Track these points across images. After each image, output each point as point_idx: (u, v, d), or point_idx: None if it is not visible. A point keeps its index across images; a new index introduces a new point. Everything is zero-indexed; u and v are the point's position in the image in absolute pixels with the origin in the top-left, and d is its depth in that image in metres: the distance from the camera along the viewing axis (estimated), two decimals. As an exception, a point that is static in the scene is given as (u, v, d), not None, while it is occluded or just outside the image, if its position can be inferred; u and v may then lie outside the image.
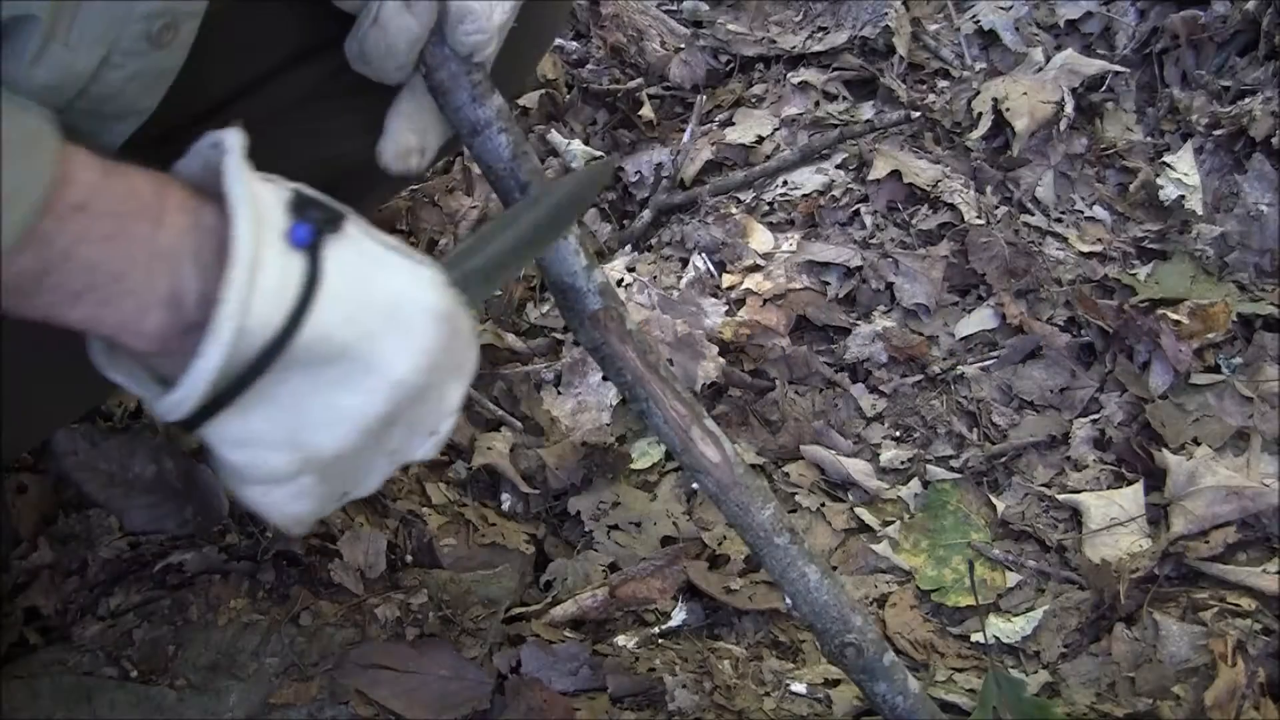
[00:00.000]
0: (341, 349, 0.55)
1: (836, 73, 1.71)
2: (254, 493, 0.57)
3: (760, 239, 1.50)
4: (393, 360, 0.56)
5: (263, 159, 0.54)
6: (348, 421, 0.56)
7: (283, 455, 0.56)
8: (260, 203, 0.53)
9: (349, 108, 0.75)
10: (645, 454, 1.26)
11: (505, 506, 1.21)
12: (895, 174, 1.50)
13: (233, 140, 0.53)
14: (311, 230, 0.54)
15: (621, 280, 1.45)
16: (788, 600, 0.77)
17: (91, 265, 0.51)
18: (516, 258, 0.68)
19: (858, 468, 1.25)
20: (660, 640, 1.05)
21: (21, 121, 0.48)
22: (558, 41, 1.80)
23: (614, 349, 0.74)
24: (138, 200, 0.52)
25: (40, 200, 0.47)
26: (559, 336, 1.42)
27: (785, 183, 1.56)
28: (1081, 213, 1.50)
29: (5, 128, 0.46)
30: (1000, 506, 1.20)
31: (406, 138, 0.69)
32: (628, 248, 1.54)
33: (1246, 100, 1.51)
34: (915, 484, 1.23)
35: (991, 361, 1.34)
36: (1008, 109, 1.54)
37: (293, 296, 0.53)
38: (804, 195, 1.54)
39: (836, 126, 1.61)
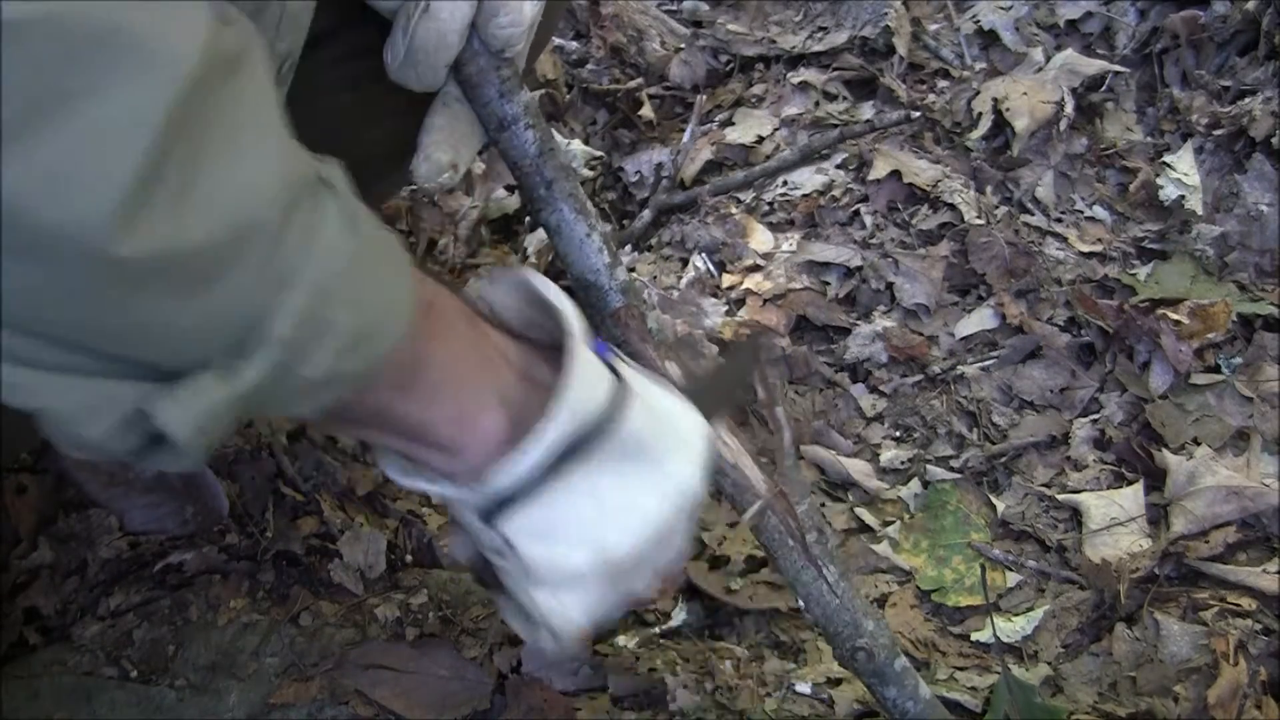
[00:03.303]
0: (643, 448, 0.58)
1: (836, 73, 1.71)
2: (542, 595, 0.59)
3: (760, 239, 1.49)
4: (681, 467, 0.61)
5: None
6: (643, 521, 0.59)
7: (581, 552, 0.58)
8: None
9: (350, 100, 0.75)
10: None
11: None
12: (895, 174, 1.50)
13: (531, 271, 0.60)
14: (605, 348, 0.60)
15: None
16: (800, 602, 0.77)
17: (449, 361, 0.54)
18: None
19: (858, 468, 1.25)
20: (661, 640, 1.05)
21: (379, 222, 0.51)
22: (558, 41, 1.80)
23: (634, 347, 0.74)
24: (458, 305, 0.57)
25: (415, 292, 0.50)
26: (559, 336, 1.42)
27: (785, 183, 1.56)
28: (1081, 213, 1.50)
29: (375, 229, 0.48)
30: (1000, 506, 1.20)
31: (440, 154, 0.69)
32: (628, 248, 1.54)
33: (1246, 100, 1.51)
34: (915, 484, 1.23)
35: (991, 361, 1.34)
36: (1008, 109, 1.54)
37: (611, 388, 0.57)
38: (804, 195, 1.54)
39: (836, 126, 1.61)
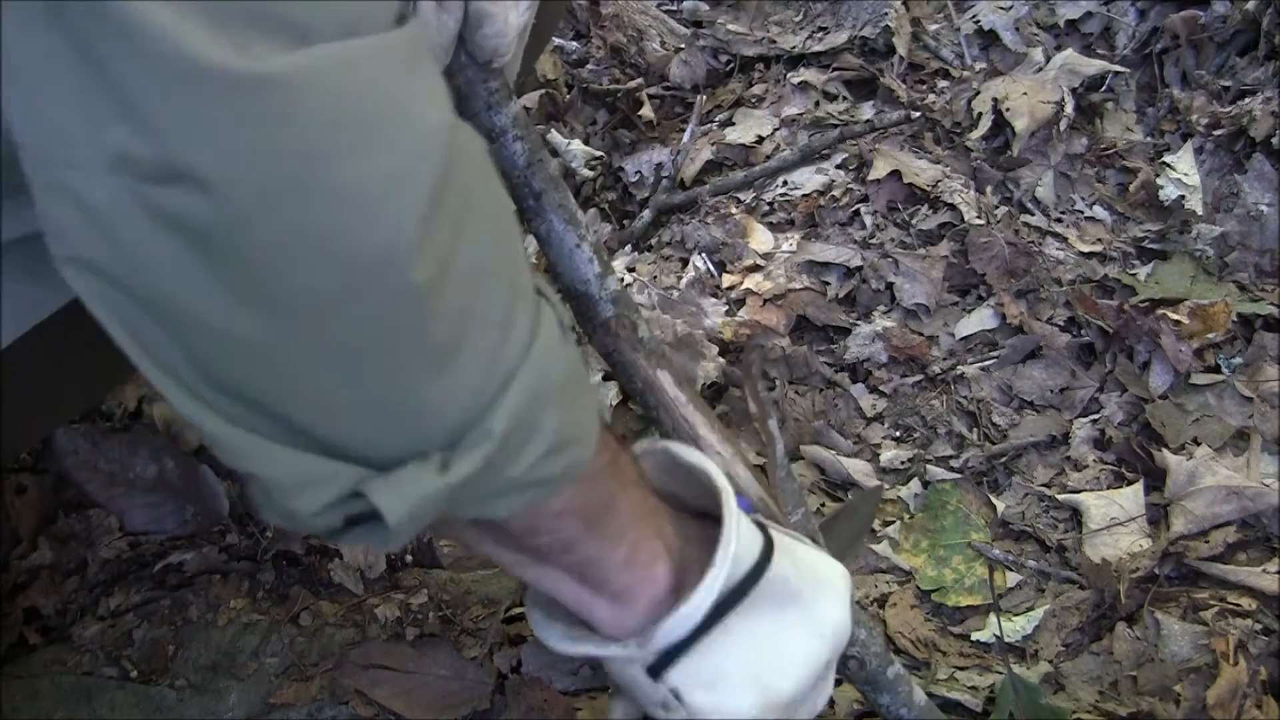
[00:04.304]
0: (793, 593, 0.61)
1: (836, 73, 1.71)
2: None
3: (760, 239, 1.49)
4: (831, 608, 0.63)
5: None
6: (803, 664, 0.61)
7: (747, 696, 0.59)
8: None
9: None
10: (645, 454, 1.26)
11: (505, 506, 1.21)
12: (895, 174, 1.50)
13: (675, 442, 0.65)
14: (748, 506, 0.63)
15: (621, 280, 1.45)
16: None
17: (630, 508, 0.57)
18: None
19: (858, 468, 1.25)
20: (661, 640, 1.05)
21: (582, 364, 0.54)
22: (557, 41, 1.80)
23: (625, 357, 0.74)
24: (631, 458, 0.60)
25: (600, 415, 0.53)
26: (559, 336, 1.42)
27: (785, 183, 1.56)
28: (1081, 213, 1.50)
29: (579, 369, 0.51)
30: (1000, 506, 1.20)
31: None
32: (628, 248, 1.54)
33: (1246, 100, 1.51)
34: (915, 484, 1.23)
35: (991, 361, 1.34)
36: (1008, 109, 1.54)
37: (761, 542, 0.60)
38: (804, 195, 1.54)
39: (836, 126, 1.61)
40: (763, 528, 0.62)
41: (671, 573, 0.58)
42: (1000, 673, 1.01)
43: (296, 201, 0.35)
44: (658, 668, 0.58)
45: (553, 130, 1.69)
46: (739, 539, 0.58)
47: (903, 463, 1.26)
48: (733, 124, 1.68)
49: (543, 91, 1.72)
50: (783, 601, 0.60)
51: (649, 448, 0.65)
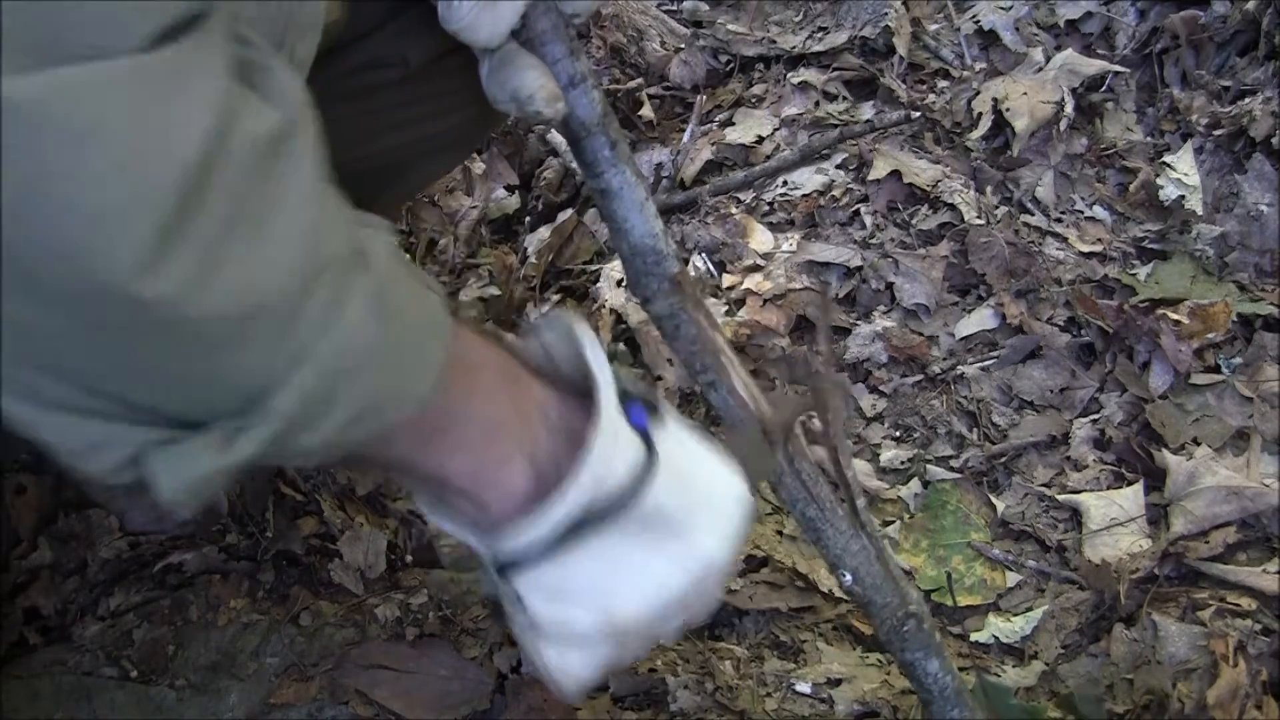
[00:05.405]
0: (667, 519, 0.58)
1: (836, 73, 1.71)
2: (550, 652, 0.59)
3: (760, 239, 1.49)
4: (707, 539, 0.60)
5: None
6: (656, 592, 0.59)
7: (590, 615, 0.58)
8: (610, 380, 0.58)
9: (356, 112, 0.75)
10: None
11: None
12: (895, 174, 1.50)
13: (583, 325, 0.60)
14: (644, 414, 0.59)
15: (622, 280, 1.45)
16: (847, 577, 0.75)
17: (476, 418, 0.54)
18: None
19: (858, 467, 1.25)
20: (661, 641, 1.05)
21: (424, 279, 0.51)
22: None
23: (690, 315, 0.72)
24: (498, 361, 0.57)
25: (442, 361, 0.50)
26: (559, 336, 1.42)
27: (785, 183, 1.56)
28: (1081, 213, 1.50)
29: (413, 301, 0.49)
30: (1000, 506, 1.20)
31: (550, 83, 0.68)
32: (628, 248, 1.54)
33: (1246, 100, 1.51)
34: (915, 484, 1.23)
35: (991, 361, 1.34)
36: (1008, 109, 1.54)
37: (637, 460, 0.57)
38: (804, 195, 1.54)
39: (836, 126, 1.61)
40: (650, 440, 0.58)
41: (531, 478, 0.56)
42: (998, 674, 1.01)
43: (25, 221, 0.36)
44: (503, 568, 0.57)
45: (552, 130, 1.69)
46: (603, 464, 0.55)
47: (903, 463, 1.26)
48: (733, 124, 1.68)
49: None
50: (653, 526, 0.58)
51: (565, 327, 0.61)
